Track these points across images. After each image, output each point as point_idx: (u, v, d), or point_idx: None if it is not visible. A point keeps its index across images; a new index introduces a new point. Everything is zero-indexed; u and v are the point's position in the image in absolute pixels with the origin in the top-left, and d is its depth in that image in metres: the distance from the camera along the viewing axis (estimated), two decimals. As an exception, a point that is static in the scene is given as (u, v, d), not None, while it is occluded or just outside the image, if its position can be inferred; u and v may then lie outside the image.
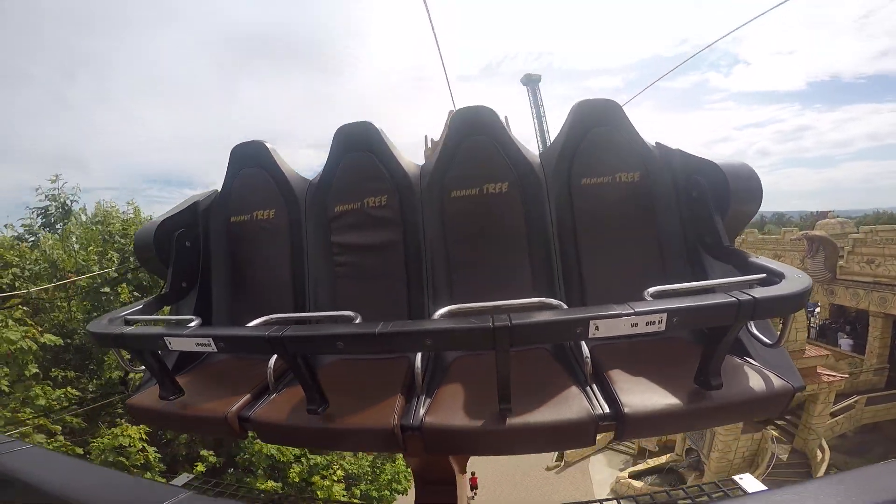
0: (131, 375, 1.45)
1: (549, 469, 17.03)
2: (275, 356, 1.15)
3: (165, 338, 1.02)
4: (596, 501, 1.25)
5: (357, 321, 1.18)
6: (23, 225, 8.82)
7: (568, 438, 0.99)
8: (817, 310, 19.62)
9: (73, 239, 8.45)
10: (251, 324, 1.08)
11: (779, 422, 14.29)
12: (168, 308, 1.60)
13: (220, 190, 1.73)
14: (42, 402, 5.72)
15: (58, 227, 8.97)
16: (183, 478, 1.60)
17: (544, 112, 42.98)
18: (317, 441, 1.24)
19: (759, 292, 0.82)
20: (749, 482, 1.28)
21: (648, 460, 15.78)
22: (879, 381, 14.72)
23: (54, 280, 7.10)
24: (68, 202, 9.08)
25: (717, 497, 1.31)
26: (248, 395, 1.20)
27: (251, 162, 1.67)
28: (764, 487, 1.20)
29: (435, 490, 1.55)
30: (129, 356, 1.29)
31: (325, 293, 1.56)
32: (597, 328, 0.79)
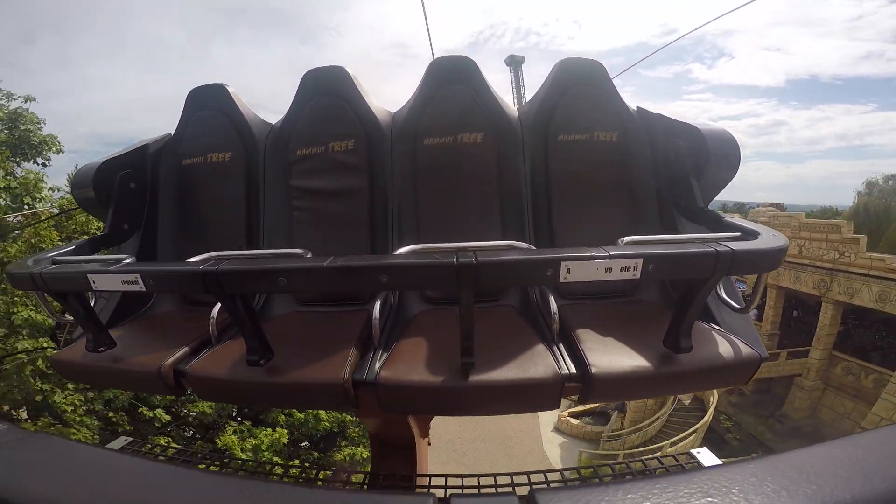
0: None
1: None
2: (219, 305, 1.05)
3: (89, 275, 0.90)
4: (557, 470, 1.25)
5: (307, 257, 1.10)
6: None
7: (532, 398, 0.94)
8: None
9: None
10: (189, 260, 0.97)
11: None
12: None
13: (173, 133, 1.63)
14: None
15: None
16: (120, 441, 1.49)
17: (525, 93, 45.28)
18: (259, 397, 1.15)
19: (738, 245, 0.79)
20: (706, 457, 1.32)
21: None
22: (771, 345, 16.51)
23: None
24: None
25: (675, 470, 1.33)
26: (186, 348, 1.10)
27: (209, 104, 1.58)
28: (719, 462, 1.23)
29: (392, 454, 1.51)
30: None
31: (280, 239, 1.48)
32: (568, 271, 0.74)
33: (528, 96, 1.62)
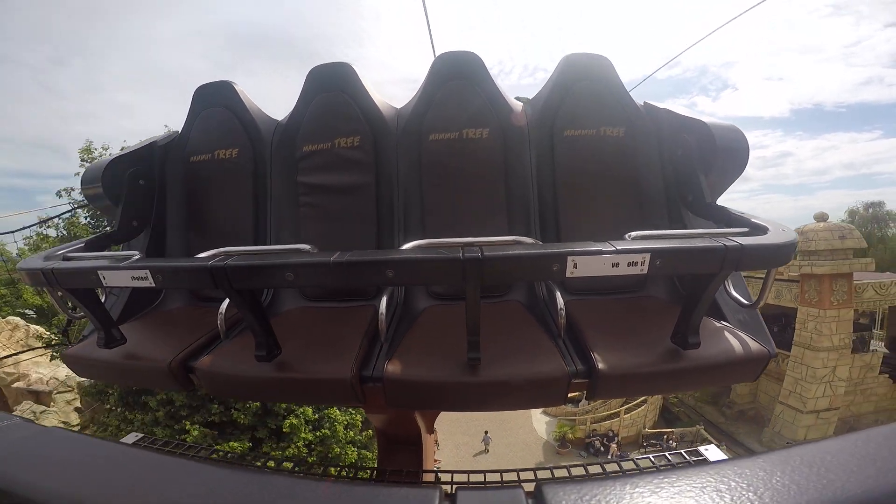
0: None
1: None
2: (227, 301, 1.05)
3: (99, 272, 0.91)
4: (564, 467, 1.25)
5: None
6: None
7: (538, 394, 0.94)
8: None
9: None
10: (198, 256, 0.98)
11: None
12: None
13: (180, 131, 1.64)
14: None
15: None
16: (132, 437, 1.51)
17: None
18: (267, 393, 1.16)
19: (746, 240, 0.78)
20: (713, 453, 1.30)
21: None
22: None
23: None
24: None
25: (680, 465, 1.33)
26: (196, 343, 1.12)
27: (215, 101, 1.59)
28: (725, 457, 1.22)
29: (398, 450, 1.52)
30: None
31: (288, 234, 1.49)
32: (575, 266, 0.73)
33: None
